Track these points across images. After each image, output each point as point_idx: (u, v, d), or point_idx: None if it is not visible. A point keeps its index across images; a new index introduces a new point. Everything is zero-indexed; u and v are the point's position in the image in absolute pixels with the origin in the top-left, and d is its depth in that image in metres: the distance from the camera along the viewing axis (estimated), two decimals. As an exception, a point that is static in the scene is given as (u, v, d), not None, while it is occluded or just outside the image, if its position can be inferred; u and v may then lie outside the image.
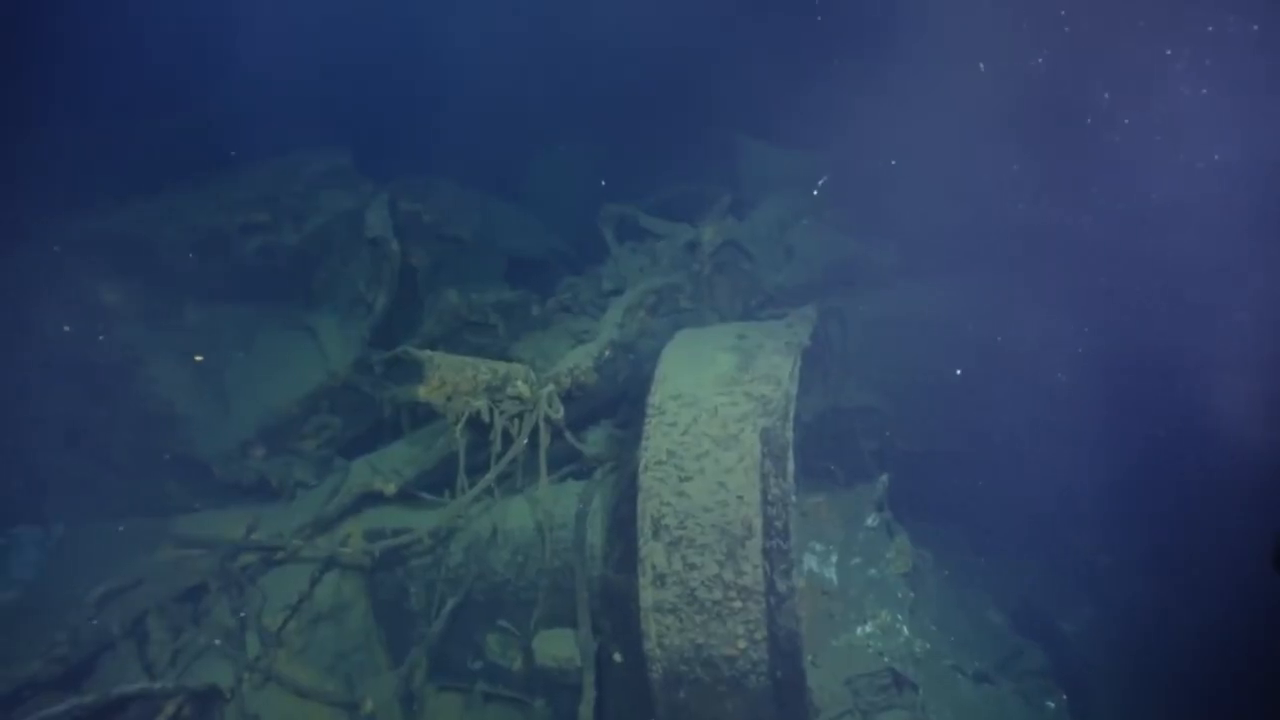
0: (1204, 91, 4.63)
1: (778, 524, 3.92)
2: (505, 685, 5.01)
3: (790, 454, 3.98)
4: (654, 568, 3.97)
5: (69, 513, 5.74)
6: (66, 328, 5.90)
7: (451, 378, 4.34)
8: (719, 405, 4.18)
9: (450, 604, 4.93)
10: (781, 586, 3.89)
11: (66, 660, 4.15)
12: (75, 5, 7.74)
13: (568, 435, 4.93)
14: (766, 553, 3.90)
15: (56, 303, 5.96)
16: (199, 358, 6.00)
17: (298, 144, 7.08)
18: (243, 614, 4.62)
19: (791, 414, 4.07)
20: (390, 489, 4.99)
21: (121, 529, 5.30)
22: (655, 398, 4.24)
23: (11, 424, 5.93)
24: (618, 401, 5.51)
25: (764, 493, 3.96)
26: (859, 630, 4.83)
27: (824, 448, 5.61)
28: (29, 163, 6.50)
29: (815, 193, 6.16)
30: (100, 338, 5.93)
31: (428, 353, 4.34)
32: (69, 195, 6.35)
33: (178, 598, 4.63)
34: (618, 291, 5.88)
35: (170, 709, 3.48)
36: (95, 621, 4.27)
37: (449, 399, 4.39)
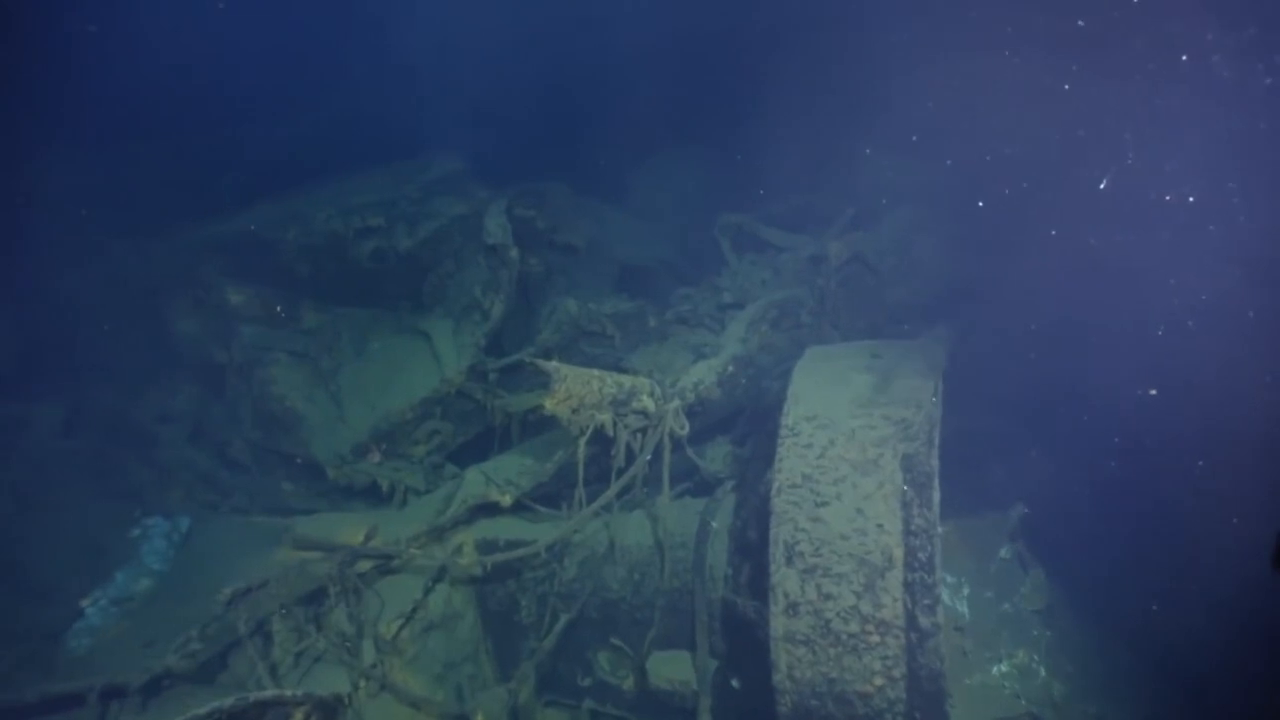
0: None
1: (921, 555, 3.71)
2: (614, 705, 4.90)
3: (935, 482, 3.76)
4: (786, 595, 3.80)
5: (193, 507, 5.89)
6: (194, 327, 6.06)
7: (578, 390, 4.23)
8: (856, 428, 3.99)
9: (563, 620, 4.84)
10: (924, 623, 3.67)
11: (197, 656, 4.23)
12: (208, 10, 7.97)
13: (689, 451, 4.79)
14: (908, 586, 3.69)
15: (186, 303, 6.13)
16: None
17: (420, 147, 7.13)
18: (360, 620, 4.62)
19: (936, 440, 3.86)
20: (506, 500, 4.92)
21: (247, 525, 5.41)
22: (788, 418, 4.06)
23: (143, 420, 6.13)
24: (734, 416, 5.35)
25: (906, 522, 3.76)
26: (994, 669, 4.57)
27: (951, 472, 5.32)
28: (160, 167, 6.73)
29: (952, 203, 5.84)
30: (226, 338, 6.06)
31: (554, 364, 4.23)
32: (198, 198, 6.54)
33: (300, 600, 4.65)
34: (737, 304, 5.70)
35: (299, 716, 3.46)
36: (224, 619, 4.33)
37: (574, 411, 4.28)
